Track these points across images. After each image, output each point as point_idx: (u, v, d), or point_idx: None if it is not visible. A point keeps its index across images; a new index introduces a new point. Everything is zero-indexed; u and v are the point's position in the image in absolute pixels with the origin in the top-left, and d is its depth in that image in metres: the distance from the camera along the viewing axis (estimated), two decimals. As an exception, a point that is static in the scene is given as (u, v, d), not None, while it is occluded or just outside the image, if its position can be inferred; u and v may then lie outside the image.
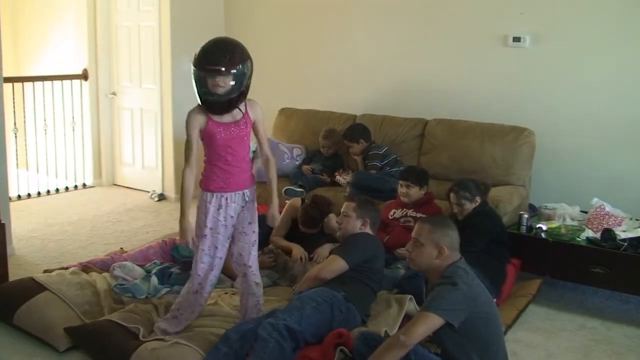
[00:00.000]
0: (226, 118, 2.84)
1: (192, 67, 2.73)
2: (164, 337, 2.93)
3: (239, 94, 2.78)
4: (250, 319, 2.95)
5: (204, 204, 2.90)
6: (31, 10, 6.64)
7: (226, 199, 2.88)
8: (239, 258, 2.99)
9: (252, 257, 3.00)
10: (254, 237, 3.00)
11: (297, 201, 4.14)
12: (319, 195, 4.16)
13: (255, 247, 3.02)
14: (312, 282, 3.21)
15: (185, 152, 2.87)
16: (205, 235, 2.90)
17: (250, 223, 2.97)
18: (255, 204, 3.00)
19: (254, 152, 4.27)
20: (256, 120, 2.92)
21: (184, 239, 2.91)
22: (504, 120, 4.61)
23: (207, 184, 2.90)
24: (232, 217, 2.91)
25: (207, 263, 2.93)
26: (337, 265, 3.19)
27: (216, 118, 2.82)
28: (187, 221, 2.87)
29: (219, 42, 2.79)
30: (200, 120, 2.81)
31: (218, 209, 2.88)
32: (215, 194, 2.88)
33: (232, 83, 2.71)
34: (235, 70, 2.71)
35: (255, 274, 3.02)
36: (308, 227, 3.90)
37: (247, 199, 2.94)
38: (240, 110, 2.85)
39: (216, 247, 2.92)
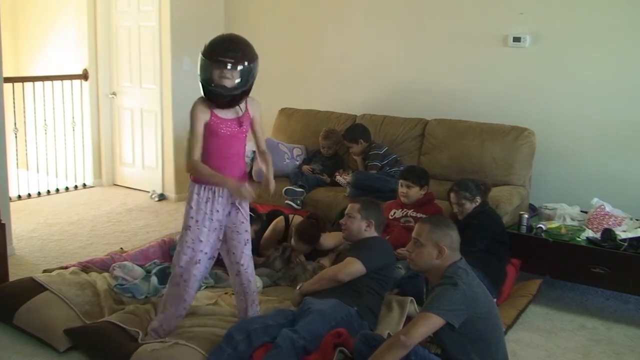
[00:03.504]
0: (229, 114, 2.87)
1: (201, 56, 2.74)
2: (163, 339, 2.92)
3: (243, 92, 2.81)
4: (254, 318, 2.94)
5: (192, 196, 2.92)
6: (31, 10, 6.64)
7: (214, 192, 2.90)
8: (232, 256, 3.01)
9: (245, 256, 3.01)
10: (247, 235, 3.02)
11: (281, 221, 4.08)
12: (316, 213, 3.98)
13: (248, 246, 3.03)
14: (327, 282, 3.18)
15: (191, 147, 2.88)
16: (190, 226, 2.91)
17: (242, 222, 2.99)
18: (248, 204, 3.01)
19: (253, 152, 4.28)
20: (255, 118, 2.98)
21: (241, 196, 2.85)
22: (504, 120, 4.61)
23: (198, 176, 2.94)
24: (218, 211, 2.91)
25: (189, 255, 2.92)
26: (354, 268, 3.15)
27: (220, 114, 2.85)
28: (230, 181, 2.85)
29: (233, 37, 2.83)
30: (205, 115, 2.84)
31: (206, 202, 2.90)
32: (204, 186, 2.90)
33: (238, 80, 2.75)
34: (243, 67, 2.73)
35: (247, 272, 3.02)
36: (303, 243, 3.78)
37: None
38: (241, 109, 2.89)
39: (200, 240, 2.91)
